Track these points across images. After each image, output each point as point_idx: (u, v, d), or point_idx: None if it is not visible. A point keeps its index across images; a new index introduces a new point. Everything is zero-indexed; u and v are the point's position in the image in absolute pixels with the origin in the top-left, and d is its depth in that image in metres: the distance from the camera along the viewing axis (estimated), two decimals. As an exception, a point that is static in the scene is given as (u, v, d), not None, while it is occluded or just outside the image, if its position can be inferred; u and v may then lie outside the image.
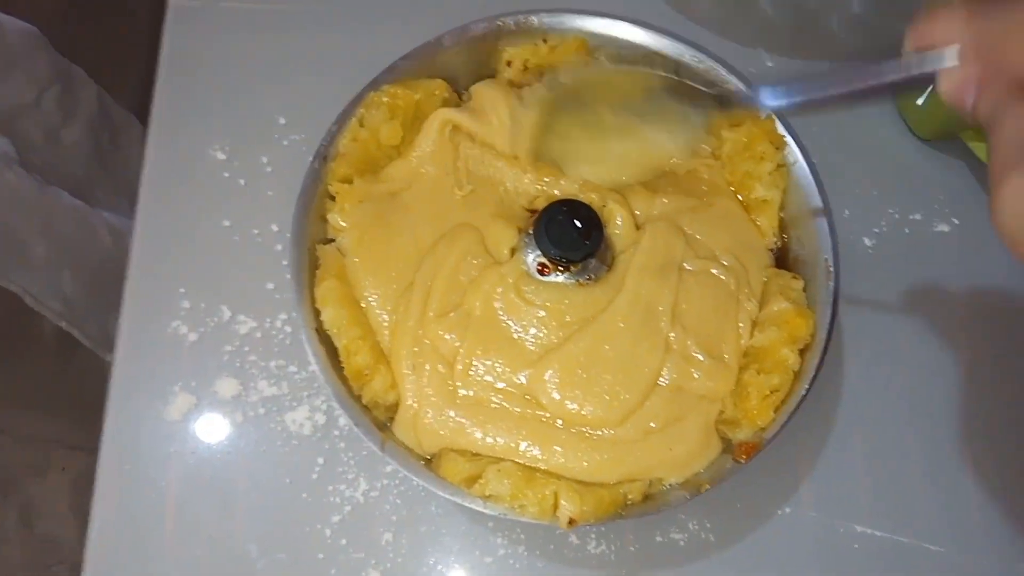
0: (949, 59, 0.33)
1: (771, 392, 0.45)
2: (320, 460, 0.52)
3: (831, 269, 0.48)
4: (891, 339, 0.56)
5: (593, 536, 0.51)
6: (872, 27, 0.64)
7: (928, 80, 0.34)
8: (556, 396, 0.46)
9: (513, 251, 0.49)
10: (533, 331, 0.47)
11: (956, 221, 0.59)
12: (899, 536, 0.51)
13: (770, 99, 0.40)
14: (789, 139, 0.51)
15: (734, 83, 0.52)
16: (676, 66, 0.53)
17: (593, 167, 0.48)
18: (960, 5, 0.33)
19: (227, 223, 0.57)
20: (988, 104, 0.31)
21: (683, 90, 0.46)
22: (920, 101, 0.58)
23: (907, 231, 0.58)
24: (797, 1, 0.65)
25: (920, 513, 0.52)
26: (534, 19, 0.53)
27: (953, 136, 0.59)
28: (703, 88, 0.46)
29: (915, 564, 0.51)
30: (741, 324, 0.47)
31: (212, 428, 0.52)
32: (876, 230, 0.58)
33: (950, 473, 0.53)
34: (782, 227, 0.52)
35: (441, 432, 0.46)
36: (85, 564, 0.50)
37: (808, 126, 0.57)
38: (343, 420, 0.52)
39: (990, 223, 0.29)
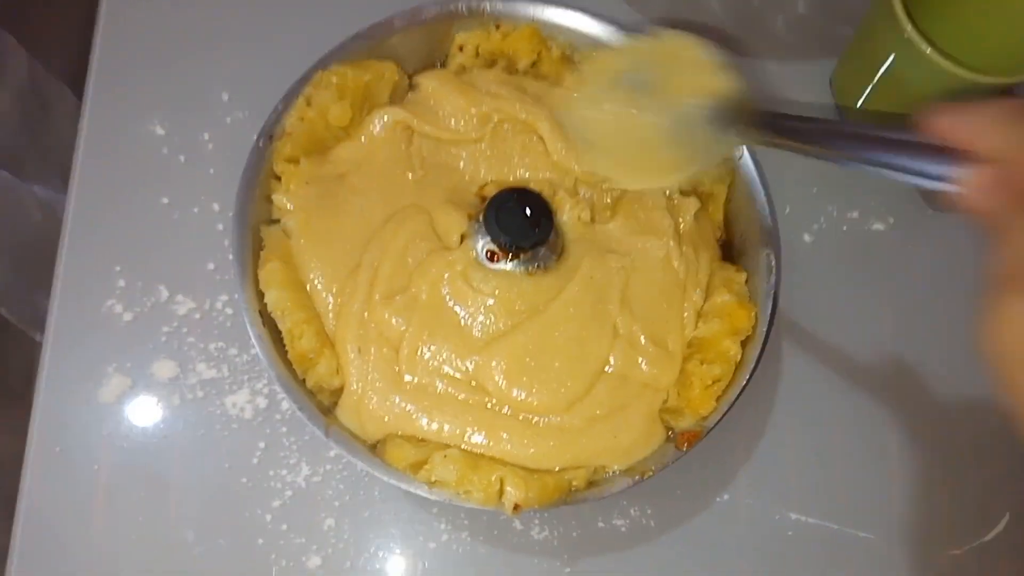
0: (976, 176, 0.30)
1: (713, 382, 0.46)
2: (261, 444, 0.51)
3: (773, 264, 0.49)
4: (827, 333, 0.57)
5: (536, 522, 0.51)
6: (816, 28, 0.65)
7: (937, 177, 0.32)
8: (503, 383, 0.46)
9: (463, 237, 0.48)
10: (481, 318, 0.47)
11: (891, 220, 0.60)
12: (830, 523, 0.53)
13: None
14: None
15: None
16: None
17: (592, 153, 0.46)
18: (1002, 106, 0.30)
19: (166, 200, 0.55)
20: (1000, 208, 0.28)
21: (744, 111, 0.42)
22: (860, 104, 0.60)
23: (845, 228, 0.60)
24: (744, 0, 0.66)
25: (850, 501, 0.54)
26: (487, 5, 0.53)
27: (890, 137, 0.61)
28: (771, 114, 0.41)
29: (845, 550, 0.53)
30: (686, 314, 0.48)
31: (148, 411, 0.51)
32: (815, 226, 0.60)
33: (879, 463, 0.55)
34: (726, 221, 0.53)
35: (386, 418, 0.45)
36: (11, 552, 0.48)
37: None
38: (285, 404, 0.51)
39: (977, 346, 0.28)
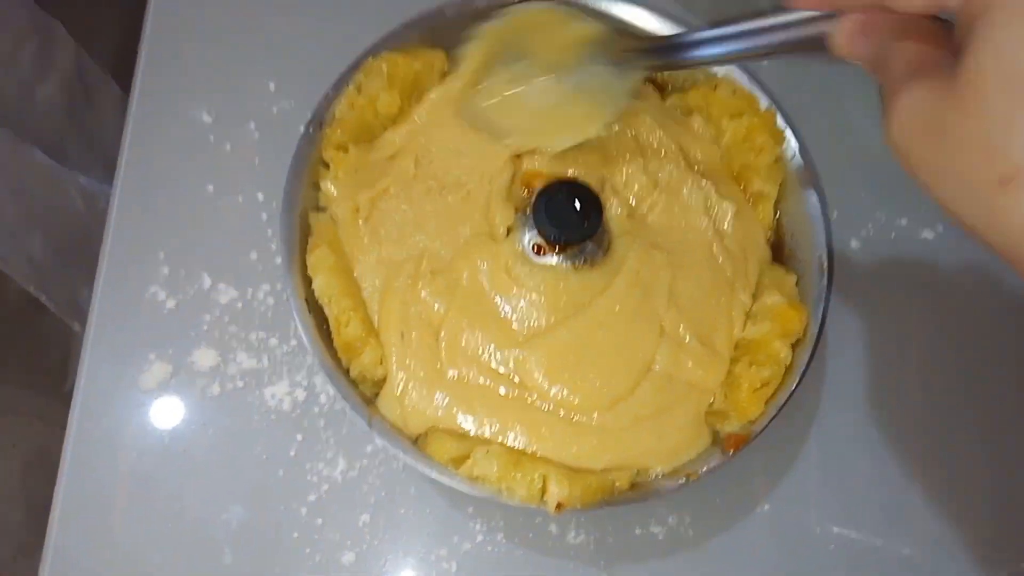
0: (843, 25, 0.33)
1: (762, 385, 0.45)
2: (299, 437, 0.50)
3: (825, 266, 0.48)
4: (873, 340, 0.56)
5: (573, 526, 0.50)
6: None
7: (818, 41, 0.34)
8: (545, 380, 0.45)
9: (509, 230, 0.48)
10: (524, 312, 0.47)
11: (940, 229, 0.59)
12: (874, 538, 0.52)
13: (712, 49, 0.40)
14: (789, 133, 0.51)
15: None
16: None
17: (513, 134, 0.48)
18: None
19: (211, 188, 0.55)
20: (874, 48, 0.32)
21: (617, 45, 0.45)
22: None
23: (893, 235, 0.59)
24: None
25: (895, 516, 0.52)
26: (540, -4, 0.52)
27: (943, 144, 0.59)
28: (639, 39, 0.46)
29: (888, 566, 0.51)
30: (734, 314, 0.47)
31: (188, 399, 0.51)
32: (863, 233, 0.58)
33: (927, 477, 0.53)
34: (777, 222, 0.52)
35: (427, 410, 0.45)
36: (49, 534, 0.48)
37: (802, 123, 0.58)
38: (324, 397, 0.51)
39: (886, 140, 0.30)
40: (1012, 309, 0.58)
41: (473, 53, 0.48)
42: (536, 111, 0.46)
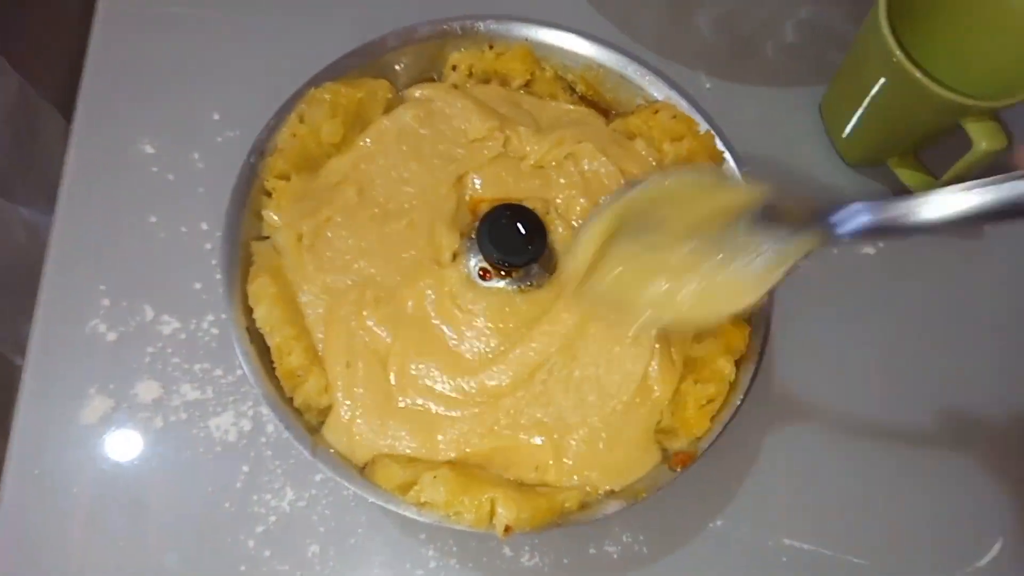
0: None
1: (707, 401, 0.46)
2: (245, 468, 0.50)
3: (766, 283, 0.49)
4: (819, 356, 0.57)
5: (527, 548, 0.50)
6: (805, 54, 0.66)
7: None
8: (496, 403, 0.46)
9: (455, 255, 0.48)
10: (472, 338, 0.47)
11: (880, 244, 0.61)
12: (824, 549, 0.52)
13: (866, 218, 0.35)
14: (727, 156, 0.52)
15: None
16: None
17: (652, 309, 0.41)
18: None
19: (154, 219, 0.55)
20: None
21: (771, 213, 0.38)
22: (849, 128, 0.60)
23: (834, 252, 0.60)
24: (734, 26, 0.67)
25: (844, 527, 0.53)
26: (480, 25, 0.53)
27: (879, 162, 0.61)
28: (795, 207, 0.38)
29: (839, 576, 0.52)
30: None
31: (130, 433, 0.50)
32: (805, 250, 0.60)
33: (873, 488, 0.54)
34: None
35: (373, 437, 0.45)
36: (-16, 577, 0.46)
37: (741, 145, 0.59)
38: (271, 427, 0.50)
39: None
40: (954, 321, 0.59)
41: (593, 230, 0.41)
42: (677, 284, 0.39)
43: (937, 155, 0.57)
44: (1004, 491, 0.55)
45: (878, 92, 0.55)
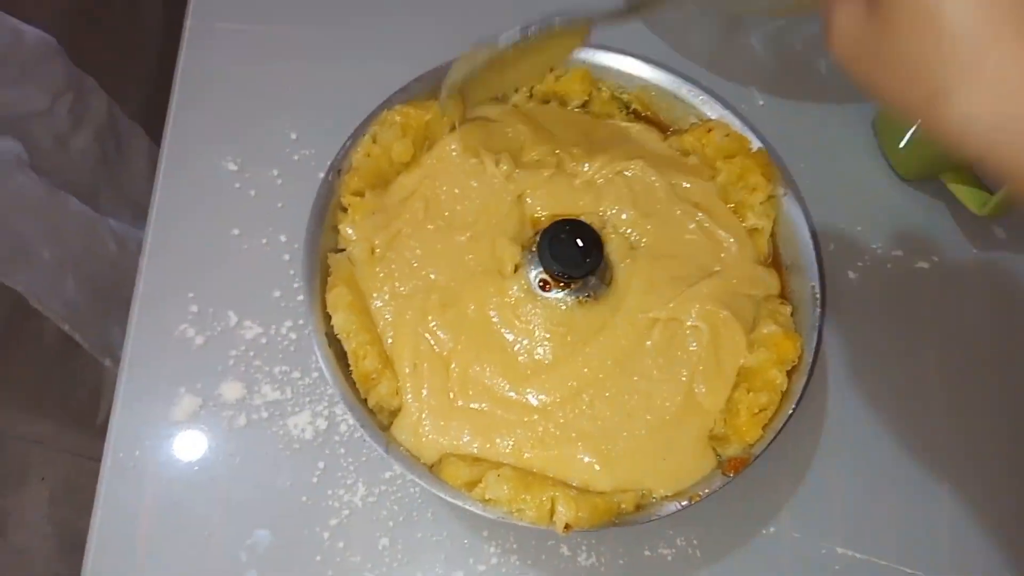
0: None
1: (760, 410, 0.47)
2: (320, 464, 0.53)
3: (818, 296, 0.50)
4: (873, 368, 0.58)
5: (584, 547, 0.52)
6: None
7: None
8: (553, 409, 0.48)
9: (516, 267, 0.51)
10: (531, 346, 0.49)
11: (935, 259, 0.61)
12: (877, 558, 0.53)
13: None
14: (780, 172, 0.54)
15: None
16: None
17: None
18: None
19: (236, 232, 0.59)
20: None
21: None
22: (902, 144, 0.61)
23: (889, 266, 0.61)
24: (787, 43, 0.68)
25: (898, 536, 0.54)
26: (542, 50, 0.56)
27: (933, 177, 0.61)
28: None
29: (892, 586, 0.53)
30: (739, 340, 0.50)
31: (216, 430, 0.54)
32: (860, 264, 0.61)
33: (928, 497, 0.55)
34: (773, 256, 0.54)
35: (440, 438, 0.47)
36: (86, 560, 0.50)
37: (796, 162, 0.60)
38: (344, 426, 0.54)
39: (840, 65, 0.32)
40: (1008, 337, 0.59)
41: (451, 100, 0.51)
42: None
43: (992, 170, 0.58)
44: (1064, 505, 0.55)
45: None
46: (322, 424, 0.54)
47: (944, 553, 0.53)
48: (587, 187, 0.54)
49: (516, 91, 0.57)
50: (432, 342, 0.49)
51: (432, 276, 0.51)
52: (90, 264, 0.76)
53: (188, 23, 0.66)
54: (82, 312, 0.75)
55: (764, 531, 0.53)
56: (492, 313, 0.50)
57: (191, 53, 0.65)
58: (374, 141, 0.52)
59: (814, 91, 0.66)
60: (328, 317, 0.48)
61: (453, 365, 0.49)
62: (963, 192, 0.60)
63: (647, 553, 0.52)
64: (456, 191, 0.53)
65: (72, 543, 1.08)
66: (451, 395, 0.48)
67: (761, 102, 0.65)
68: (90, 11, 0.81)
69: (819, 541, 0.53)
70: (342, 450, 0.53)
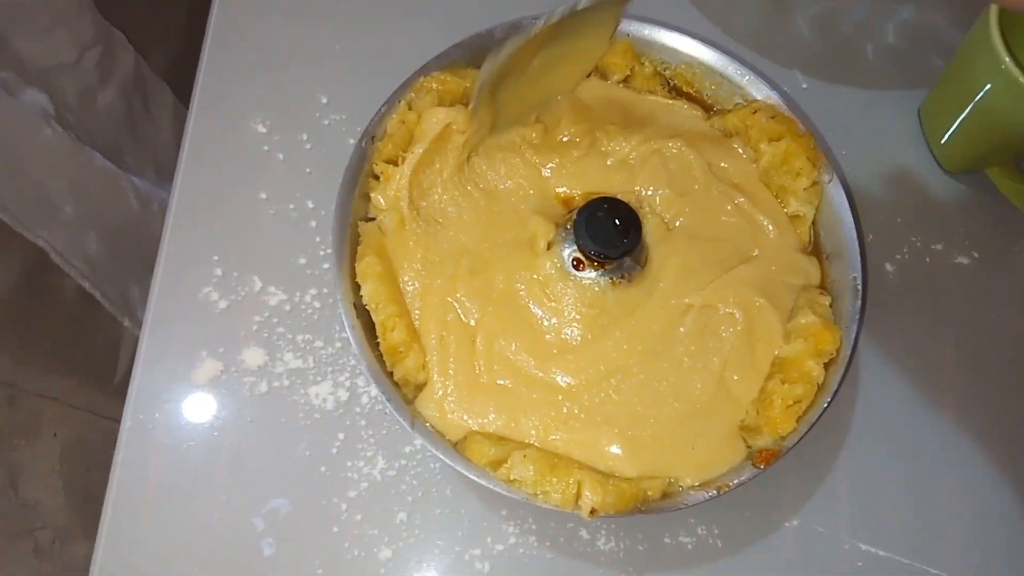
0: None
1: (795, 402, 0.46)
2: (340, 436, 0.52)
3: (859, 287, 0.49)
4: (906, 363, 0.57)
5: (603, 532, 0.51)
6: (905, 58, 0.65)
7: None
8: (581, 391, 0.47)
9: (550, 245, 0.49)
10: (561, 324, 0.48)
11: (976, 255, 0.60)
12: (901, 557, 0.52)
13: None
14: (826, 158, 0.52)
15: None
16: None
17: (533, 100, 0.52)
18: None
19: (264, 196, 0.58)
20: None
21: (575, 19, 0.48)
22: (949, 134, 0.60)
23: (928, 260, 0.59)
24: (833, 26, 0.66)
25: (924, 536, 0.53)
26: (585, 19, 0.54)
27: (978, 170, 0.60)
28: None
29: (915, 587, 0.52)
30: (775, 329, 0.49)
31: (237, 395, 0.53)
32: (898, 256, 0.59)
33: (956, 498, 0.54)
34: (814, 243, 0.53)
35: (465, 416, 0.47)
36: (103, 521, 0.50)
37: (838, 148, 0.59)
38: (365, 398, 0.53)
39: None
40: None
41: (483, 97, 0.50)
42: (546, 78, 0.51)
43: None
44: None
45: (982, 98, 0.54)
46: (343, 395, 0.53)
47: (970, 554, 0.53)
48: (621, 166, 0.53)
49: None
50: (460, 311, 0.48)
51: (463, 239, 0.50)
52: (112, 222, 0.75)
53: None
54: (103, 270, 0.75)
55: (787, 524, 0.53)
56: (520, 287, 0.49)
57: (222, 10, 0.64)
58: (410, 108, 0.51)
59: (859, 77, 0.64)
60: (357, 287, 0.47)
61: (478, 338, 0.48)
62: (1009, 188, 0.58)
63: (667, 541, 0.52)
64: (498, 155, 0.52)
65: (82, 499, 1.08)
66: (477, 369, 0.47)
67: (805, 85, 0.63)
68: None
69: (842, 537, 0.53)
70: (363, 422, 0.53)
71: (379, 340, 0.47)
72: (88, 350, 0.84)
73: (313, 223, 0.57)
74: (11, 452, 1.13)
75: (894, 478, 0.54)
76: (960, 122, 0.58)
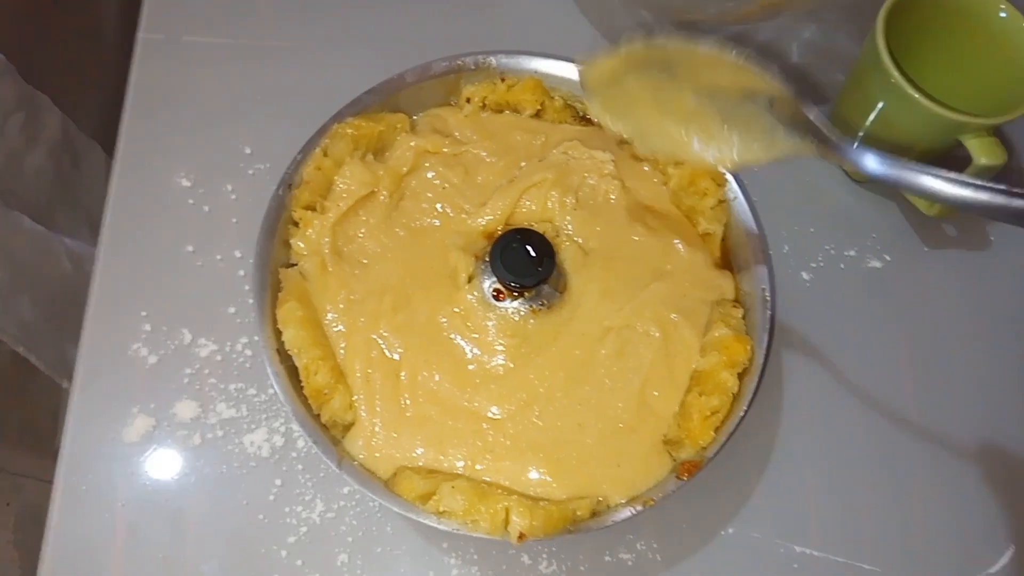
0: None
1: (712, 413, 0.47)
2: (278, 482, 0.52)
3: (768, 298, 0.51)
4: (828, 367, 0.59)
5: (544, 556, 0.52)
6: (811, 75, 0.68)
7: None
8: (506, 420, 0.48)
9: (470, 278, 0.51)
10: (480, 355, 0.50)
11: (888, 257, 0.62)
12: (835, 556, 0.54)
13: (873, 164, 0.42)
14: (729, 177, 0.54)
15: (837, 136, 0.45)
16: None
17: (645, 137, 0.46)
18: None
19: (190, 248, 0.58)
20: None
21: (788, 109, 0.44)
22: (854, 146, 0.62)
23: (842, 266, 0.62)
24: (738, 49, 0.68)
25: (855, 533, 0.54)
26: (492, 60, 0.56)
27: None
28: (811, 120, 0.43)
29: (851, 583, 0.53)
30: (692, 344, 0.50)
31: (170, 450, 0.53)
32: (813, 265, 0.62)
33: (883, 495, 0.56)
34: (724, 258, 0.55)
35: (394, 452, 0.47)
36: (38, 584, 0.50)
37: (749, 167, 0.61)
38: (301, 442, 0.53)
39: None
40: (961, 334, 0.60)
41: (621, 52, 0.46)
42: (675, 127, 0.45)
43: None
44: (1016, 498, 0.55)
45: (879, 112, 0.57)
46: (279, 441, 0.53)
47: (899, 549, 0.54)
48: (537, 194, 0.54)
49: (468, 101, 0.57)
50: (384, 347, 0.49)
51: (386, 276, 0.51)
52: (45, 284, 0.75)
53: (140, 36, 0.66)
54: (38, 333, 0.74)
55: (723, 532, 0.54)
56: (443, 320, 0.50)
57: (143, 67, 0.65)
58: (325, 154, 0.52)
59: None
60: (279, 333, 0.48)
61: (403, 373, 0.48)
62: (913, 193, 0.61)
63: (608, 559, 0.52)
64: (413, 194, 0.53)
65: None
66: (403, 403, 0.48)
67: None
68: (42, 27, 0.80)
69: (777, 540, 0.54)
70: (299, 466, 0.53)
71: (302, 384, 0.47)
72: (29, 416, 0.83)
73: (241, 272, 0.58)
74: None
75: (822, 480, 0.56)
76: (862, 135, 0.60)
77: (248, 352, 0.55)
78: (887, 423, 0.57)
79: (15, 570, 1.11)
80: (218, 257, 0.58)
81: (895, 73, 0.54)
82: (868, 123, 0.58)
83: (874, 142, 0.60)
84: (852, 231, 0.63)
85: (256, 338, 0.55)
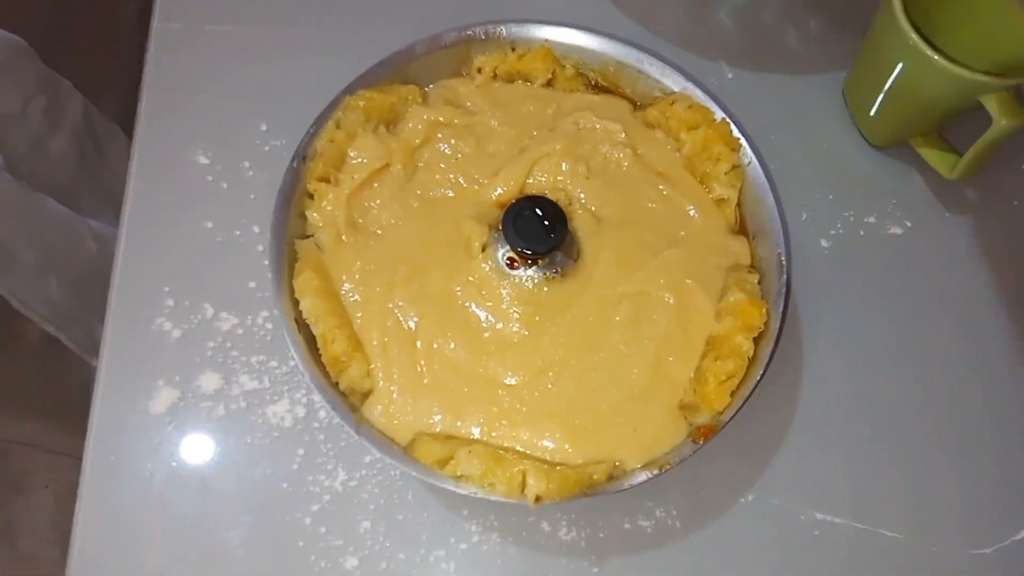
0: None
1: (727, 378, 0.47)
2: (300, 451, 0.53)
3: (783, 262, 0.51)
4: (848, 333, 0.58)
5: (564, 522, 0.52)
6: (826, 41, 0.67)
7: None
8: (521, 386, 0.49)
9: (484, 247, 0.51)
10: (495, 322, 0.50)
11: (908, 224, 0.62)
12: (856, 523, 0.53)
13: None
14: (743, 141, 0.54)
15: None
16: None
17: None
18: None
19: (210, 225, 0.59)
20: None
21: None
22: (872, 111, 0.61)
23: (862, 233, 0.61)
24: (755, 17, 0.68)
25: (877, 501, 0.54)
26: (502, 29, 0.56)
27: (904, 143, 0.62)
28: None
29: (872, 549, 0.53)
30: (707, 309, 0.50)
31: (195, 421, 0.54)
32: (833, 232, 0.61)
33: (906, 460, 0.55)
34: (740, 224, 0.54)
35: (411, 418, 0.48)
36: (71, 555, 0.51)
37: (767, 134, 0.61)
38: (323, 412, 0.54)
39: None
40: (982, 299, 0.60)
41: None
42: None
43: (961, 133, 0.58)
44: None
45: (897, 75, 0.56)
46: (300, 412, 0.54)
47: (922, 516, 0.54)
48: (550, 164, 0.54)
49: (479, 71, 0.57)
50: (400, 316, 0.50)
51: (401, 247, 0.51)
52: (72, 265, 0.76)
53: (154, 24, 0.66)
54: (66, 312, 0.76)
55: (743, 499, 0.54)
56: (457, 289, 0.50)
57: (159, 53, 0.65)
58: (338, 126, 0.53)
59: (783, 63, 0.66)
60: (297, 303, 0.49)
61: (419, 341, 0.49)
62: (933, 156, 0.60)
63: (627, 526, 0.53)
64: (426, 165, 0.53)
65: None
66: (419, 370, 0.49)
67: (730, 75, 0.65)
68: (63, 14, 0.82)
69: (798, 507, 0.54)
70: (321, 436, 0.54)
71: (320, 352, 0.48)
72: (60, 395, 0.84)
73: (260, 247, 0.58)
74: (5, 508, 1.13)
75: (843, 446, 0.55)
76: (880, 99, 0.59)
77: (268, 325, 0.56)
78: (909, 389, 0.57)
79: (55, 551, 1.13)
80: (237, 233, 0.59)
81: (912, 35, 0.53)
82: (887, 86, 0.58)
83: (894, 105, 0.59)
84: (871, 197, 0.62)
85: (276, 311, 0.56)
